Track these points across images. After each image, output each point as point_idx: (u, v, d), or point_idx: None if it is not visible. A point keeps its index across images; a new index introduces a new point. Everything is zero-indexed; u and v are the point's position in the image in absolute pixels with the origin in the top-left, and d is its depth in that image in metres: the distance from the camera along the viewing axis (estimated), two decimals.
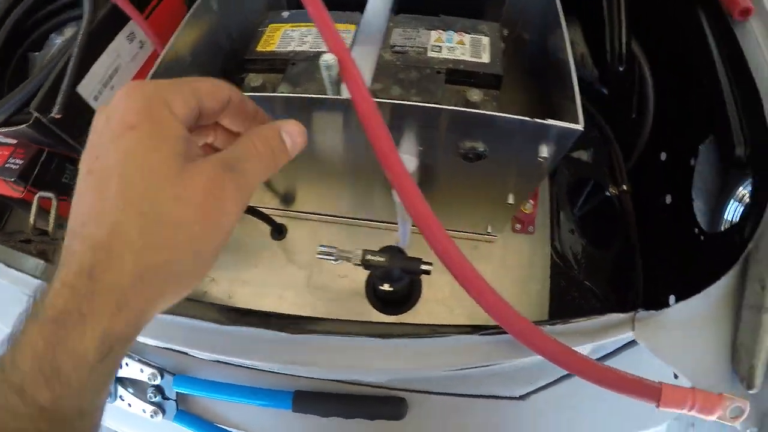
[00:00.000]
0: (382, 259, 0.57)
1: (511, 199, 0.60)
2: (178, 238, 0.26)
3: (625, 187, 0.77)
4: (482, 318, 0.68)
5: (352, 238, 0.73)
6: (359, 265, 0.58)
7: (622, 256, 0.75)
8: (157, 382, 0.64)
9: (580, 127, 0.48)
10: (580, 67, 0.78)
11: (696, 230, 0.67)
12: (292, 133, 0.33)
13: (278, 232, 0.73)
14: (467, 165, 0.55)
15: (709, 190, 0.72)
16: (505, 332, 0.46)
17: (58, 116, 0.59)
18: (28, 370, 0.24)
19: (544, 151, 0.51)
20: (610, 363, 0.57)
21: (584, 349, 0.51)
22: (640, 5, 0.73)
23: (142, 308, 0.26)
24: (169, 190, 0.26)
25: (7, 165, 0.70)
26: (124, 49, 0.67)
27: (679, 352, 0.50)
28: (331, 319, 0.52)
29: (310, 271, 0.72)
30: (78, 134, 0.64)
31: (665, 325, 0.50)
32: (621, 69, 0.75)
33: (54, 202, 0.69)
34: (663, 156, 0.77)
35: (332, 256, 0.59)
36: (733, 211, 0.73)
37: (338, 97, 0.50)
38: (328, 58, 0.44)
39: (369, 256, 0.58)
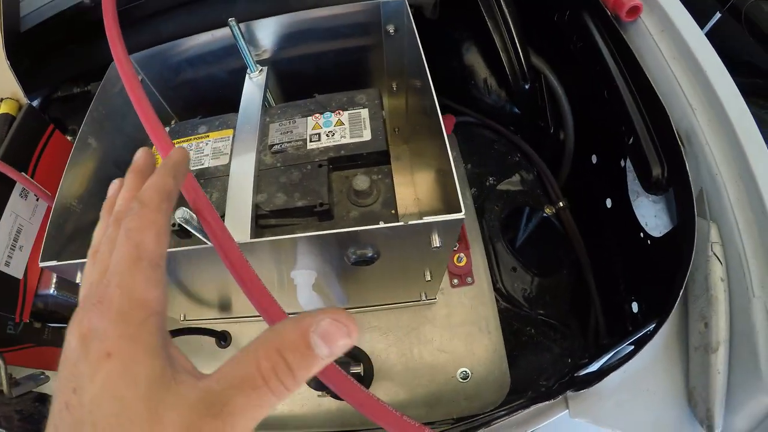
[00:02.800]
0: None
1: (428, 276, 0.54)
2: None
3: (561, 204, 0.70)
4: (437, 387, 0.64)
5: None
6: None
7: (574, 276, 0.69)
8: None
9: (461, 215, 0.42)
10: (486, 93, 0.70)
11: (642, 234, 0.61)
12: (329, 336, 0.22)
13: (222, 339, 0.68)
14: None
15: (644, 193, 0.65)
16: None
17: None
18: None
19: (437, 241, 0.45)
20: None
21: None
22: (529, 19, 0.65)
23: None
24: None
25: None
26: (21, 208, 0.63)
27: (625, 415, 0.45)
28: None
29: None
30: (1, 301, 0.61)
31: (602, 394, 0.45)
32: (526, 86, 0.67)
33: (1, 363, 0.66)
34: (594, 159, 0.69)
35: None
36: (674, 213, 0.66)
37: (205, 246, 0.44)
38: (182, 214, 0.40)
39: None
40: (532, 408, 0.44)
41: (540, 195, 0.71)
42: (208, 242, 0.44)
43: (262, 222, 0.53)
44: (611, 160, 0.64)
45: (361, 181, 0.51)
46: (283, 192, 0.53)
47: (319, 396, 0.62)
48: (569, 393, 0.45)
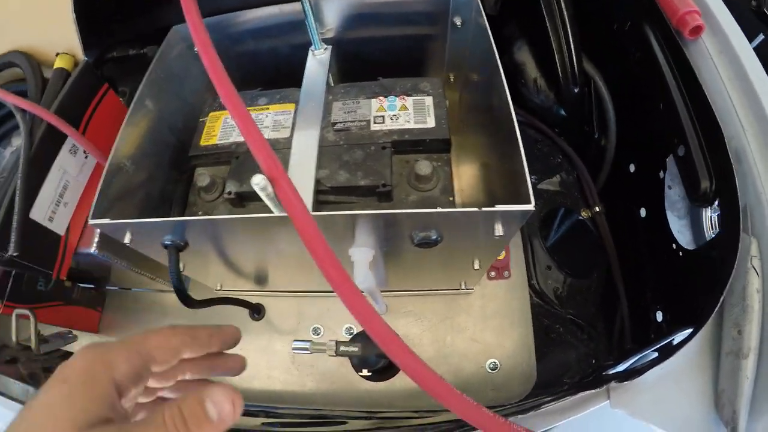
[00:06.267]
0: (355, 349, 0.55)
1: (477, 265, 0.57)
2: None
3: (597, 209, 0.74)
4: (466, 375, 0.67)
5: (331, 310, 0.70)
6: (333, 356, 0.56)
7: (604, 279, 0.72)
8: None
9: (531, 207, 0.44)
10: (534, 93, 0.73)
11: (674, 246, 0.64)
12: (219, 402, 0.29)
13: (256, 312, 0.70)
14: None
15: (681, 205, 0.69)
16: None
17: (15, 254, 0.56)
18: None
19: (500, 230, 0.48)
20: None
21: None
22: (587, 25, 0.68)
23: None
24: None
25: None
26: (69, 164, 0.64)
27: (659, 411, 0.49)
28: None
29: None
30: (40, 258, 0.62)
31: (641, 388, 0.48)
32: (576, 90, 0.70)
33: (32, 319, 0.66)
34: (632, 168, 0.73)
35: (307, 350, 0.57)
36: (709, 227, 0.69)
37: (275, 215, 0.46)
38: (258, 181, 0.41)
39: (342, 348, 0.56)
40: (578, 396, 0.47)
41: (578, 197, 0.74)
42: (277, 212, 0.46)
43: (322, 198, 0.56)
44: (650, 170, 0.68)
45: (424, 166, 0.54)
46: (345, 170, 0.55)
47: (352, 374, 0.65)
48: (612, 384, 0.48)
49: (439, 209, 0.44)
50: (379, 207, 0.55)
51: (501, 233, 0.47)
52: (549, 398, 0.48)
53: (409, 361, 0.38)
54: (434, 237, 0.49)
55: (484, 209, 0.44)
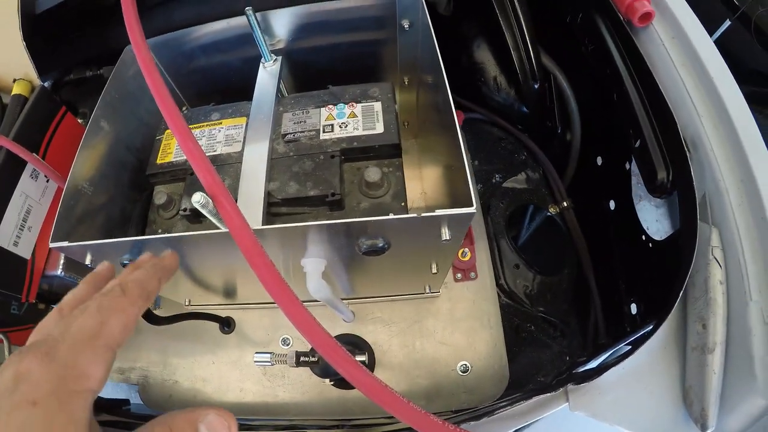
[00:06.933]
0: (314, 359, 0.54)
1: (435, 269, 0.56)
2: None
3: (565, 204, 0.72)
4: (438, 379, 0.66)
5: None
6: (294, 366, 0.55)
7: (575, 275, 0.71)
8: None
9: (473, 210, 0.43)
10: (495, 91, 0.72)
11: (644, 237, 0.63)
12: (213, 427, 0.26)
13: (226, 325, 0.70)
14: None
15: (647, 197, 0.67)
16: None
17: None
18: None
19: (446, 234, 0.46)
20: None
21: None
22: (541, 20, 0.66)
23: None
24: None
25: None
26: (31, 189, 0.64)
27: (624, 411, 0.47)
28: None
29: None
30: (7, 282, 0.62)
31: (602, 389, 0.47)
32: (536, 86, 0.68)
33: (5, 342, 0.67)
34: (599, 160, 0.71)
35: (269, 362, 0.56)
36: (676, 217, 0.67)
37: (222, 230, 0.46)
38: (199, 198, 0.41)
39: (303, 358, 0.55)
40: (533, 400, 0.46)
41: (545, 194, 0.72)
42: (222, 227, 0.46)
43: (274, 210, 0.55)
44: (616, 162, 0.66)
45: (373, 173, 0.53)
46: (295, 181, 0.54)
47: (323, 383, 0.64)
48: (570, 386, 0.46)
49: (375, 218, 0.43)
50: (330, 216, 0.54)
51: (448, 237, 0.46)
52: (504, 403, 0.46)
53: (352, 370, 0.37)
54: (381, 244, 0.48)
55: (423, 215, 0.43)
